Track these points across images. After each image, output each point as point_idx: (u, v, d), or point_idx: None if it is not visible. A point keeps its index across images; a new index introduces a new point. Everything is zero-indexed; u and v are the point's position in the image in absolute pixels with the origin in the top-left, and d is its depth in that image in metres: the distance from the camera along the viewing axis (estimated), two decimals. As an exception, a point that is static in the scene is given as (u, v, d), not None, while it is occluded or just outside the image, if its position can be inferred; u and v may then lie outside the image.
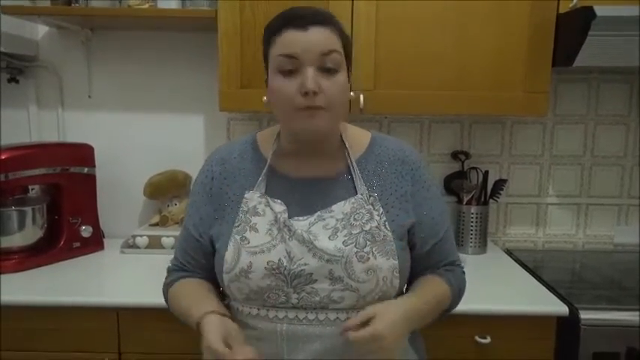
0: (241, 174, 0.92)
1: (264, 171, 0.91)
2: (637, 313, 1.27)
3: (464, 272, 0.98)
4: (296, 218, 0.86)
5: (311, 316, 0.84)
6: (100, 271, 1.53)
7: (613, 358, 1.26)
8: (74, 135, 1.78)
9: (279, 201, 0.87)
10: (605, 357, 1.26)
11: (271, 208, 0.87)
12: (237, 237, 0.86)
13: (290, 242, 0.84)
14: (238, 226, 0.87)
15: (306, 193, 0.89)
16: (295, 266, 0.83)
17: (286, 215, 0.86)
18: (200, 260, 0.93)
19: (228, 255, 0.86)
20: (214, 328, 0.78)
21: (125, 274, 1.49)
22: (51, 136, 1.79)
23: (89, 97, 1.78)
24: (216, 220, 0.91)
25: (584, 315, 1.26)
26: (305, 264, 0.83)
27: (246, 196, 0.89)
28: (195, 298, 0.88)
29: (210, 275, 0.92)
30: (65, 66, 1.77)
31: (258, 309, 0.86)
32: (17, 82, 1.73)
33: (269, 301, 0.85)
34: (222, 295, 0.94)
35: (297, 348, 0.84)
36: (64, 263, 1.55)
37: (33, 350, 1.31)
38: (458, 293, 0.94)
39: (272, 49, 0.83)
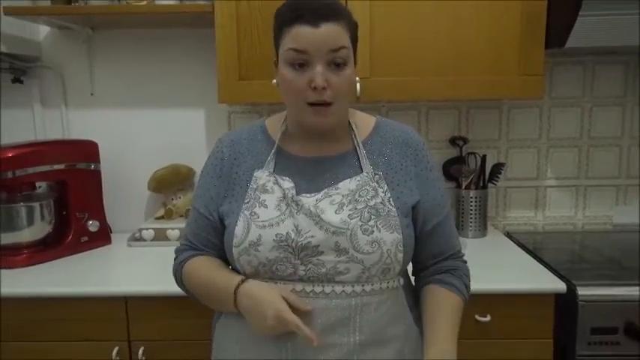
0: (250, 155, 0.96)
1: (273, 151, 0.95)
2: (635, 288, 1.29)
3: (465, 262, 1.00)
4: (304, 195, 0.90)
5: (317, 289, 0.87)
6: (108, 264, 1.56)
7: (611, 333, 1.28)
8: (78, 132, 1.82)
9: (287, 178, 0.91)
10: (603, 331, 1.29)
11: (280, 186, 0.91)
12: (247, 212, 0.90)
13: (298, 216, 0.87)
14: (248, 203, 0.91)
15: (313, 171, 0.93)
16: (302, 238, 0.86)
17: (294, 191, 0.90)
18: (211, 239, 0.97)
19: (238, 229, 0.89)
20: (269, 291, 0.86)
21: (133, 265, 1.52)
22: (55, 135, 1.83)
23: (91, 94, 1.82)
24: (226, 198, 0.95)
25: (582, 291, 1.29)
26: (312, 236, 0.86)
27: (255, 174, 0.93)
28: (222, 270, 0.94)
29: (220, 253, 0.96)
30: (67, 65, 1.80)
31: (266, 282, 0.89)
32: (21, 82, 1.76)
33: (277, 273, 0.88)
34: None
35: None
36: (73, 257, 1.59)
37: (45, 341, 1.35)
38: (467, 292, 0.97)
39: (283, 40, 0.86)
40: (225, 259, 0.97)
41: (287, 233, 0.87)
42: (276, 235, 0.87)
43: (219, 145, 0.99)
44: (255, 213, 0.90)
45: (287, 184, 0.90)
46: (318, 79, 0.83)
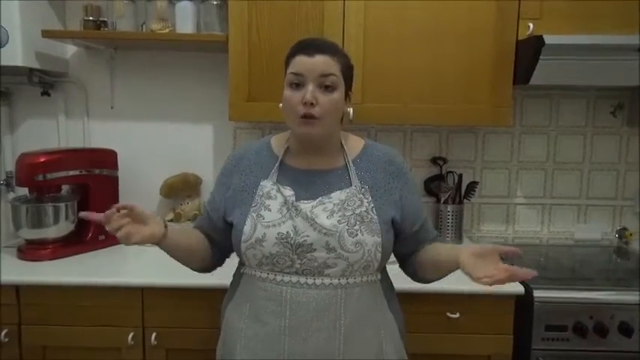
0: (257, 167, 1.15)
1: (277, 164, 1.14)
2: (583, 292, 1.50)
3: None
4: (302, 201, 1.08)
5: (309, 281, 1.06)
6: (123, 259, 1.74)
7: (562, 330, 1.49)
8: (98, 142, 2.00)
9: (288, 187, 1.10)
10: (555, 329, 1.49)
11: (282, 193, 1.09)
12: (254, 214, 1.09)
13: (296, 219, 1.06)
14: (255, 206, 1.10)
15: (310, 182, 1.11)
16: (300, 237, 1.05)
17: (294, 198, 1.08)
18: (204, 229, 1.20)
19: (247, 228, 1.08)
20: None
21: (146, 261, 1.69)
22: (77, 143, 2.01)
23: (111, 108, 2.01)
24: (235, 203, 1.13)
25: (537, 294, 1.49)
26: (307, 236, 1.05)
27: (261, 183, 1.12)
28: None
29: (207, 236, 1.20)
30: (91, 81, 2.00)
31: (268, 273, 1.08)
32: (49, 95, 1.95)
33: (277, 265, 1.07)
34: (239, 264, 1.18)
35: (298, 307, 1.05)
36: (92, 253, 1.76)
37: (67, 325, 1.52)
38: None
39: (287, 69, 1.08)
40: (208, 242, 1.20)
41: (287, 232, 1.05)
42: (278, 234, 1.05)
43: (231, 158, 1.20)
44: (260, 215, 1.08)
45: (288, 192, 1.09)
46: (309, 94, 1.04)
